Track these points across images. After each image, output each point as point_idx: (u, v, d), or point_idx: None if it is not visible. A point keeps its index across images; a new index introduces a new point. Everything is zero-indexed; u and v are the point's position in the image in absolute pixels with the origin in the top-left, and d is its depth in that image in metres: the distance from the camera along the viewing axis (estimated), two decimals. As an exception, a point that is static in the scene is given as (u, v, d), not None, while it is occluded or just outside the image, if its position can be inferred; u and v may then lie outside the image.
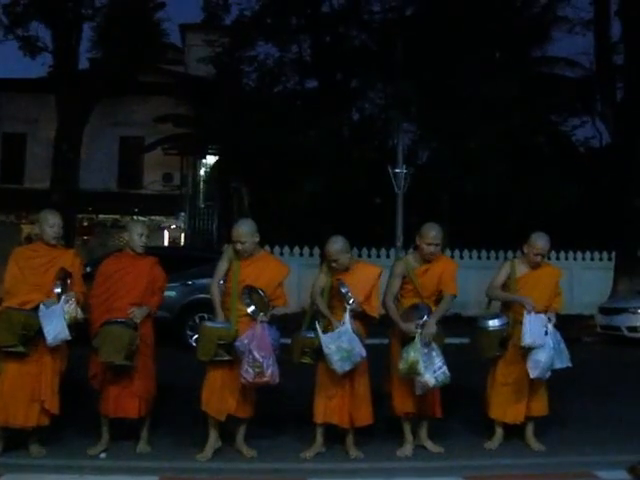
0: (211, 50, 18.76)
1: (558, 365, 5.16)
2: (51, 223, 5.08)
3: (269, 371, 4.76)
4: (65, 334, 4.83)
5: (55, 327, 4.78)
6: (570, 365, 5.23)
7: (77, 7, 16.04)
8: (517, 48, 18.15)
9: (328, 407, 5.08)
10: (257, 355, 4.72)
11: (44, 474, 4.54)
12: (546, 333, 5.11)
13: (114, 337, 4.87)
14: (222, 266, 5.18)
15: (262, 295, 4.99)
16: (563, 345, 5.21)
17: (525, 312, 5.16)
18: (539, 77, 18.13)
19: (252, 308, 4.96)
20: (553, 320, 5.23)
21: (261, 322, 4.87)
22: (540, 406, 5.38)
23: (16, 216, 19.48)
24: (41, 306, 4.83)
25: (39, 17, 15.91)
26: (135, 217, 18.45)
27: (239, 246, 5.03)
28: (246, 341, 4.78)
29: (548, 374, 5.18)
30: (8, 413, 4.79)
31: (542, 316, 5.17)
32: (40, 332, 4.79)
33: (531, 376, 5.11)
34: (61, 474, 4.56)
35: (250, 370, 4.74)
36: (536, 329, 5.10)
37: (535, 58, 19.14)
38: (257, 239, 5.14)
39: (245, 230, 5.05)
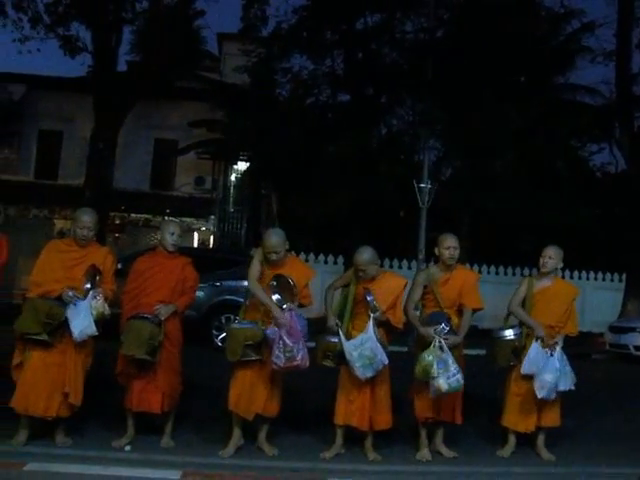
0: (247, 60, 19.05)
1: (562, 387, 5.31)
2: (81, 225, 5.13)
3: (299, 355, 4.85)
4: (92, 329, 4.88)
5: (82, 322, 4.83)
6: (573, 388, 5.37)
7: (118, 10, 16.29)
8: (541, 74, 18.42)
9: (349, 410, 5.16)
10: (288, 341, 4.82)
11: (68, 464, 4.57)
12: (551, 355, 5.27)
13: (136, 331, 4.96)
14: (257, 265, 5.23)
15: (291, 284, 5.06)
16: (569, 367, 5.37)
17: (534, 339, 5.33)
18: (560, 103, 18.48)
19: (277, 297, 5.04)
20: (560, 343, 5.39)
21: (289, 310, 4.96)
22: (552, 417, 5.49)
23: (49, 211, 19.72)
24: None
25: (80, 18, 16.17)
26: (166, 217, 18.69)
27: (274, 256, 5.12)
28: (276, 328, 4.89)
29: (554, 395, 5.31)
30: (28, 402, 4.85)
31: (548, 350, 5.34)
32: (65, 323, 4.86)
33: (538, 396, 5.25)
34: (85, 464, 4.58)
35: (281, 355, 4.83)
36: (541, 360, 5.28)
37: (557, 84, 19.46)
38: (287, 246, 5.24)
39: (278, 240, 5.14)
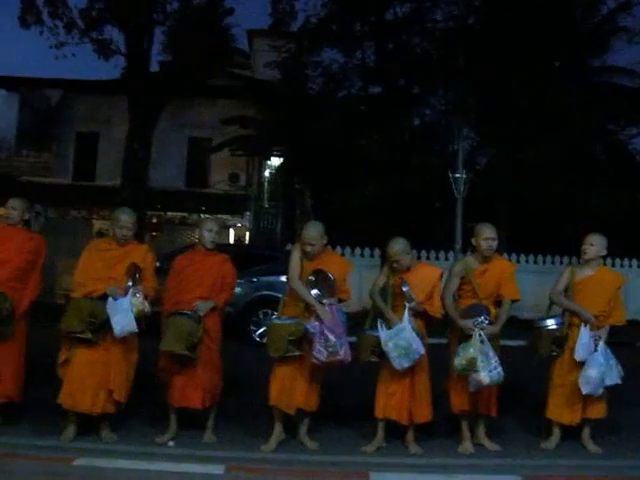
0: (277, 55, 19.11)
1: (608, 382, 5.19)
2: (120, 225, 5.24)
3: (342, 350, 4.87)
4: (132, 326, 4.96)
5: (122, 319, 4.92)
6: (620, 382, 5.24)
7: (149, 12, 16.48)
8: (577, 57, 18.08)
9: (388, 403, 5.16)
10: (330, 336, 4.83)
11: (115, 459, 4.65)
12: (596, 349, 5.18)
13: (175, 327, 5.04)
14: (297, 261, 5.23)
15: (331, 279, 5.07)
16: (613, 362, 5.26)
17: (582, 324, 5.23)
18: (597, 86, 18.10)
19: (315, 291, 5.05)
20: (604, 336, 5.27)
21: (330, 305, 4.97)
22: (598, 409, 5.37)
23: (88, 212, 20.06)
24: (109, 299, 4.99)
25: (113, 21, 16.44)
26: (202, 215, 18.87)
27: (309, 248, 5.14)
28: (317, 323, 4.90)
29: (601, 390, 5.20)
30: (75, 398, 4.95)
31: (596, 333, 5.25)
32: (109, 322, 4.94)
33: (583, 392, 5.15)
34: (131, 460, 4.67)
35: (323, 350, 4.84)
36: (591, 345, 5.19)
37: (594, 67, 19.03)
38: (325, 241, 5.24)
39: (316, 233, 5.17)
